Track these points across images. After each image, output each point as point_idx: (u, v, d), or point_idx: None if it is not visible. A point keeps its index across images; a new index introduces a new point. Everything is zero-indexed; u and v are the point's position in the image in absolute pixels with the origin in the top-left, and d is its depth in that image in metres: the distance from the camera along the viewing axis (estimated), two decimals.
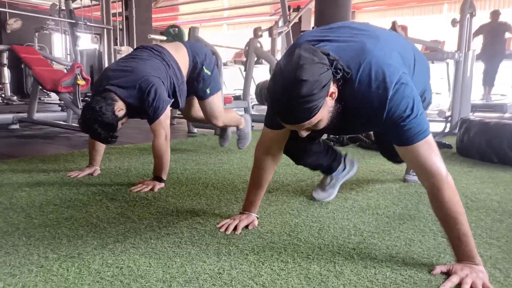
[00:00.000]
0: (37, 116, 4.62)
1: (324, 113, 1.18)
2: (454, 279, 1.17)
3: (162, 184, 2.19)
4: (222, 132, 3.28)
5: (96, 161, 2.49)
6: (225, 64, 8.44)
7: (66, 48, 9.40)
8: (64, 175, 2.38)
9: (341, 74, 1.18)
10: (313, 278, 1.18)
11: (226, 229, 1.54)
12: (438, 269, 1.24)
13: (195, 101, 2.83)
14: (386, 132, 1.30)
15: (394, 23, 4.88)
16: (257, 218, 1.66)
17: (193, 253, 1.34)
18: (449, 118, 4.84)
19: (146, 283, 1.13)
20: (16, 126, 4.66)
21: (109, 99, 2.13)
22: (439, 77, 8.16)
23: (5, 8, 11.09)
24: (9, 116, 4.58)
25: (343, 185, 2.28)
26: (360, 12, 10.95)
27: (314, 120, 1.17)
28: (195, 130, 4.59)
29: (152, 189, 2.11)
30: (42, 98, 9.61)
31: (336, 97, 1.21)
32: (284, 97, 1.13)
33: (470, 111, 4.77)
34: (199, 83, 2.62)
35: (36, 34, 11.13)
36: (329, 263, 1.28)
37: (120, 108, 2.16)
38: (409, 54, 1.42)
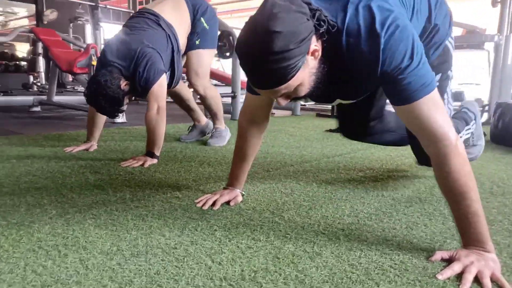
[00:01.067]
0: (57, 98, 4.63)
1: (305, 75, 0.97)
2: (456, 267, 0.95)
3: (155, 160, 2.05)
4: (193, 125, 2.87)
5: (94, 136, 2.39)
6: None
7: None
8: (59, 150, 2.29)
9: (325, 27, 0.97)
10: (282, 258, 0.99)
11: (203, 204, 1.38)
12: (438, 255, 1.02)
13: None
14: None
15: None
16: (242, 194, 1.48)
17: (155, 226, 1.18)
18: (487, 107, 4.46)
19: (86, 254, 0.99)
20: (37, 109, 4.70)
21: (114, 72, 2.04)
22: (480, 67, 7.63)
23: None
24: (30, 98, 4.62)
25: (351, 166, 2.07)
26: None
27: (292, 83, 0.95)
28: None
29: (142, 165, 1.98)
30: (75, 88, 9.80)
31: (320, 56, 0.99)
32: (254, 55, 0.92)
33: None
34: (193, 34, 2.43)
35: (71, 25, 11.39)
36: (307, 243, 1.09)
37: (126, 82, 2.07)
38: None
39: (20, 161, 1.99)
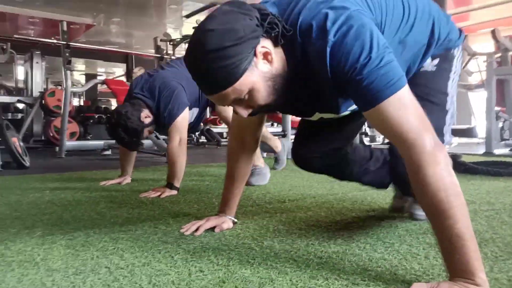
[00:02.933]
0: None
1: (256, 79, 0.89)
2: None
3: (174, 192, 2.05)
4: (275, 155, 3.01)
5: (126, 170, 2.48)
6: None
7: None
8: (96, 184, 2.40)
9: (278, 30, 0.90)
10: (228, 283, 0.88)
11: (187, 230, 1.31)
12: (416, 287, 0.82)
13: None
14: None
15: (494, 31, 4.17)
16: (235, 222, 1.38)
17: (120, 248, 1.14)
18: None
19: (31, 269, 0.97)
20: (108, 152, 5.07)
21: (137, 105, 2.14)
22: None
23: (133, 60, 12.83)
24: (101, 142, 5.01)
25: (380, 200, 1.86)
26: (475, 35, 9.83)
27: (240, 87, 0.88)
28: (264, 155, 4.42)
29: (159, 196, 1.98)
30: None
31: (273, 60, 0.92)
32: (192, 57, 0.89)
33: None
34: None
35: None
36: (267, 269, 0.96)
37: (147, 115, 2.14)
38: None
39: (52, 192, 2.11)
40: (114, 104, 13.79)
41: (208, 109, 2.52)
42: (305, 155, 1.43)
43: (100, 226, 1.38)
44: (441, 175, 0.82)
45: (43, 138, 6.57)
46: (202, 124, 2.59)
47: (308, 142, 1.42)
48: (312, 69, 0.93)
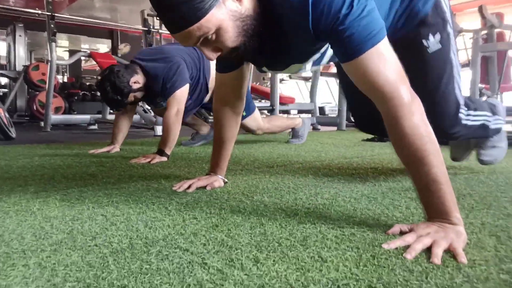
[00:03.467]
0: (112, 116, 4.94)
1: (223, 17, 0.89)
2: (408, 238, 0.81)
3: (164, 158, 2.07)
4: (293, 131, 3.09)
5: (117, 139, 2.49)
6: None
7: None
8: (85, 152, 2.41)
9: None
10: (216, 226, 0.92)
11: (178, 188, 1.34)
12: (397, 228, 0.88)
13: None
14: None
15: (481, 7, 4.22)
16: (225, 182, 1.42)
17: (114, 201, 1.17)
18: None
19: (28, 217, 1.00)
20: (94, 127, 5.04)
21: (130, 68, 2.21)
22: None
23: (118, 36, 12.58)
24: (87, 117, 4.97)
25: (364, 165, 1.93)
26: (462, 14, 9.89)
27: (207, 24, 0.87)
28: None
29: (150, 162, 2.00)
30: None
31: (244, 2, 0.92)
32: None
33: None
34: None
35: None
36: (254, 216, 1.00)
37: (137, 80, 2.20)
38: None
39: (41, 158, 2.12)
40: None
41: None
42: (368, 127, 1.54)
43: (93, 185, 1.41)
44: (417, 125, 0.86)
45: (27, 113, 6.48)
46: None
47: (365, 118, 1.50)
48: (291, 19, 0.94)
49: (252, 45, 0.96)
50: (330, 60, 1.23)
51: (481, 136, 1.52)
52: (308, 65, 1.18)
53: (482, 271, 0.69)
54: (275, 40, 1.02)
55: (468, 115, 1.36)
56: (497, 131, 1.54)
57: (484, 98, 4.77)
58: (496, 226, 0.94)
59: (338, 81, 5.05)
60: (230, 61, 1.24)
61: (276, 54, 1.09)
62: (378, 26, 0.88)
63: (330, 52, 1.15)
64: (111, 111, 5.48)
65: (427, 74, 1.25)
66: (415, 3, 1.18)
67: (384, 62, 0.88)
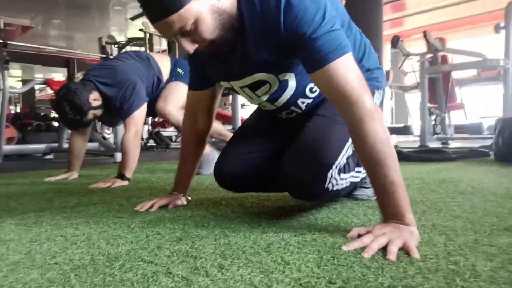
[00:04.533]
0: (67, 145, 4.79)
1: (201, 9, 0.92)
2: (366, 239, 0.85)
3: (125, 182, 2.04)
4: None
5: (74, 166, 2.43)
6: None
7: None
8: (41, 180, 2.32)
9: None
10: (176, 240, 0.93)
11: (141, 208, 1.33)
12: (355, 231, 0.93)
13: None
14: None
15: (425, 32, 4.53)
16: (188, 199, 1.43)
17: (74, 223, 1.14)
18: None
19: None
20: (50, 156, 4.87)
21: (88, 86, 2.13)
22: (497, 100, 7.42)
23: (74, 64, 12.34)
24: (42, 146, 4.80)
25: None
26: (409, 40, 10.52)
27: (186, 13, 0.91)
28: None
29: (110, 186, 1.97)
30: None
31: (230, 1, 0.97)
32: None
33: None
34: (169, 79, 2.48)
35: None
36: (217, 229, 1.02)
37: (96, 98, 2.14)
38: None
39: None
40: (54, 111, 13.20)
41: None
42: None
43: (50, 209, 1.37)
44: (378, 129, 0.92)
45: None
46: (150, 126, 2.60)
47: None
48: (263, 23, 0.99)
49: (228, 39, 1.00)
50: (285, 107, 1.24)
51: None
52: (264, 97, 1.21)
53: (433, 263, 0.74)
54: (245, 43, 1.05)
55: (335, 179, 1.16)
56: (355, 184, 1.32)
57: (433, 117, 5.06)
58: (445, 227, 1.00)
59: None
60: (203, 80, 1.27)
61: (244, 57, 1.09)
62: (345, 41, 0.95)
63: (288, 92, 1.18)
64: (67, 140, 5.34)
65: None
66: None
67: (351, 71, 0.94)
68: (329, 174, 1.08)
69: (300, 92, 1.19)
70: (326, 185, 1.09)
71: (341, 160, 1.13)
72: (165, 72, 2.47)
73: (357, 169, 1.24)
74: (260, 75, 1.14)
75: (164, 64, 2.48)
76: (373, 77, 1.27)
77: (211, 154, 2.66)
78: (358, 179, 1.28)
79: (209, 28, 0.96)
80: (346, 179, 1.19)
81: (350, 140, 1.12)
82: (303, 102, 1.23)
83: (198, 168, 2.58)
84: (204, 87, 1.30)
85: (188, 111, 1.38)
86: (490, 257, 0.76)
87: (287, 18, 0.94)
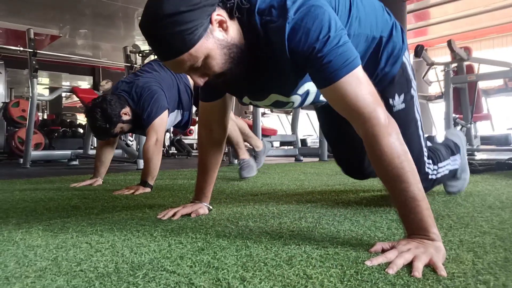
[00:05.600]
0: (93, 151, 4.89)
1: (212, 46, 0.94)
2: (390, 255, 0.84)
3: (148, 189, 2.07)
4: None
5: (100, 172, 2.48)
6: None
7: None
8: (66, 186, 2.38)
9: (233, 2, 0.97)
10: (200, 250, 0.93)
11: (163, 216, 1.34)
12: (379, 246, 0.91)
13: None
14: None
15: (449, 41, 4.45)
16: (210, 209, 1.43)
17: (99, 229, 1.16)
18: None
19: (10, 246, 0.98)
20: (76, 162, 4.98)
21: (122, 99, 2.22)
22: None
23: (100, 72, 12.65)
24: (68, 152, 4.92)
25: (347, 190, 1.96)
26: (433, 49, 10.37)
27: (196, 53, 0.92)
28: (236, 161, 4.48)
29: (133, 193, 2.00)
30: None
31: (229, 29, 0.97)
32: (149, 22, 0.93)
33: None
34: None
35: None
36: (239, 240, 1.02)
37: (127, 112, 2.21)
38: None
39: (22, 192, 2.08)
40: (79, 118, 13.51)
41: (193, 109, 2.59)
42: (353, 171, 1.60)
43: (76, 215, 1.40)
44: (395, 144, 0.91)
45: (5, 150, 6.36)
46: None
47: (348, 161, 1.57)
48: (271, 48, 0.99)
49: (238, 71, 1.01)
50: (314, 101, 1.30)
51: (445, 180, 1.66)
52: (297, 102, 1.25)
53: (461, 282, 0.71)
54: (257, 69, 1.07)
55: (434, 169, 1.45)
56: (455, 171, 1.65)
57: (458, 128, 4.95)
58: (473, 243, 0.97)
59: None
60: (213, 91, 1.29)
61: (257, 83, 1.14)
62: (353, 55, 0.94)
63: (311, 97, 1.24)
64: (92, 146, 5.47)
65: None
66: (386, 65, 1.27)
67: (361, 86, 0.93)
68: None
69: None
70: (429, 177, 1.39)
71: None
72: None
73: (452, 157, 1.54)
74: (279, 97, 1.20)
75: None
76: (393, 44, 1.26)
77: (251, 159, 2.72)
78: (456, 166, 1.60)
79: (219, 63, 0.97)
80: (444, 166, 1.49)
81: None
82: None
83: (241, 171, 2.68)
84: (216, 98, 1.32)
85: (202, 119, 1.40)
86: None
87: (291, 44, 0.95)
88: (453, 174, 1.65)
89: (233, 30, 0.99)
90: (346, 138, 1.47)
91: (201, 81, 1.00)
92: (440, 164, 1.50)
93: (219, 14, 0.95)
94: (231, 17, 0.99)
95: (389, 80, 1.29)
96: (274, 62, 1.03)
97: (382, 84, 1.26)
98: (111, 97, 2.18)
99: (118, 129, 2.19)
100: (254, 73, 1.08)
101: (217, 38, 0.95)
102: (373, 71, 1.25)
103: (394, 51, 1.27)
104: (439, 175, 1.48)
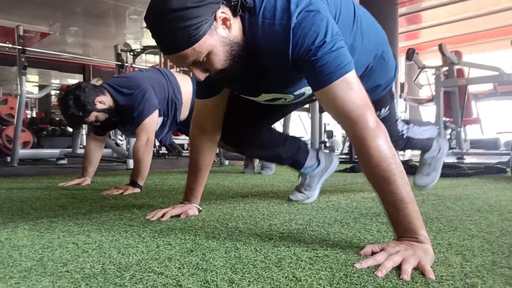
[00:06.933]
0: (82, 151, 4.84)
1: (215, 43, 0.95)
2: (379, 257, 0.83)
3: (137, 190, 2.05)
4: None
5: (88, 172, 2.45)
6: None
7: None
8: (54, 185, 2.35)
9: (237, 0, 0.98)
10: (188, 250, 0.92)
11: (152, 217, 1.33)
12: (369, 248, 0.91)
13: None
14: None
15: (440, 45, 4.49)
16: (200, 210, 1.42)
17: (86, 230, 1.15)
18: None
19: None
20: (64, 161, 4.93)
21: (98, 88, 2.17)
22: None
23: (90, 71, 12.55)
24: (56, 151, 4.86)
25: (337, 194, 1.96)
26: (424, 52, 10.46)
27: (199, 49, 0.93)
28: (226, 162, 4.47)
29: (122, 193, 1.97)
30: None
31: (232, 27, 0.98)
32: (155, 15, 0.93)
33: None
34: None
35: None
36: (229, 241, 1.01)
37: (102, 100, 2.15)
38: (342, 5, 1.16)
39: (9, 191, 2.05)
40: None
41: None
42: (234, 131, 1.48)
43: (63, 215, 1.38)
44: (383, 147, 0.92)
45: None
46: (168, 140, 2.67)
47: (238, 120, 1.45)
48: (270, 50, 1.00)
49: (238, 68, 1.02)
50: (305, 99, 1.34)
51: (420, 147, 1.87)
52: (289, 99, 1.27)
53: (449, 285, 0.72)
54: (255, 67, 1.07)
55: (407, 128, 1.72)
56: (431, 140, 1.88)
57: (448, 131, 5.00)
58: (461, 246, 0.98)
59: (310, 115, 5.17)
60: (209, 88, 1.28)
61: (252, 80, 1.14)
62: (347, 60, 0.95)
63: (303, 97, 1.28)
64: (81, 145, 5.41)
65: None
66: (379, 88, 1.40)
67: (351, 91, 0.94)
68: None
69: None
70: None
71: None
72: (186, 91, 2.51)
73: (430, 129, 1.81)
74: (275, 95, 1.22)
75: (184, 83, 2.53)
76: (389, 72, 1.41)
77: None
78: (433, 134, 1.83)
79: (221, 60, 0.98)
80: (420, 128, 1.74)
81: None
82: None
83: (260, 169, 2.77)
84: (211, 95, 1.31)
85: (196, 120, 1.39)
86: (508, 280, 0.74)
87: (292, 46, 0.96)
88: (429, 144, 1.86)
89: (236, 28, 1.00)
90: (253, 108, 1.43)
91: (202, 76, 1.01)
92: (412, 125, 1.75)
93: (223, 11, 0.96)
94: (234, 15, 0.99)
95: (377, 99, 1.41)
96: (273, 61, 1.04)
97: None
98: (85, 84, 2.12)
99: (92, 117, 2.13)
100: (250, 70, 1.08)
101: (221, 35, 0.96)
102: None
103: (389, 76, 1.42)
104: (411, 134, 1.72)
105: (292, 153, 1.63)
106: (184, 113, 2.56)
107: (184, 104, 2.52)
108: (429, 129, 1.84)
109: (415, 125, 1.77)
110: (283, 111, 1.59)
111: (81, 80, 12.90)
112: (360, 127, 0.92)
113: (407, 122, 1.75)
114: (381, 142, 0.91)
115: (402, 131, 1.69)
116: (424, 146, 1.86)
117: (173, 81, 2.48)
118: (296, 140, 1.68)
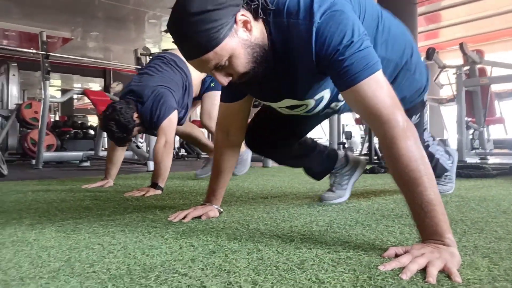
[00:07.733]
0: (104, 153, 4.93)
1: (236, 46, 0.96)
2: (404, 259, 0.82)
3: (158, 191, 2.08)
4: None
5: (111, 174, 2.49)
6: None
7: None
8: (78, 187, 2.40)
9: (258, 3, 0.99)
10: (211, 252, 0.93)
11: (174, 218, 1.35)
12: (392, 251, 0.90)
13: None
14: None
15: (461, 44, 4.40)
16: (220, 211, 1.43)
17: (111, 231, 1.17)
18: None
19: (24, 247, 0.99)
20: (87, 164, 5.02)
21: (131, 104, 2.22)
22: None
23: (111, 74, 12.77)
24: (79, 154, 4.97)
25: (358, 196, 1.95)
26: (444, 51, 10.27)
27: (221, 52, 0.94)
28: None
29: (144, 195, 2.00)
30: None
31: (252, 30, 0.98)
32: (175, 20, 0.95)
33: None
34: (207, 77, 2.64)
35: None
36: (250, 242, 1.01)
37: (137, 115, 2.22)
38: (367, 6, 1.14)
39: (35, 193, 2.11)
40: (90, 120, 13.65)
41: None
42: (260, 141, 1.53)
43: (88, 217, 1.41)
44: (412, 147, 0.90)
45: (18, 151, 6.44)
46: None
47: (265, 130, 1.49)
48: (295, 50, 1.01)
49: (261, 71, 1.02)
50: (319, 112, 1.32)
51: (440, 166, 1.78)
52: (310, 106, 1.26)
53: None
54: (282, 69, 1.08)
55: (431, 142, 1.71)
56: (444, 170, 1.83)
57: (471, 131, 4.89)
58: (488, 249, 0.96)
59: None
60: (234, 92, 1.30)
61: (276, 83, 1.14)
62: (374, 59, 0.95)
63: (323, 103, 1.26)
64: (103, 148, 5.52)
65: None
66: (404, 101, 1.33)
67: (380, 89, 0.93)
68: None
69: (333, 98, 1.26)
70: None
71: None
72: (197, 77, 2.54)
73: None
74: (296, 101, 1.23)
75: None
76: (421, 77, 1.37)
77: (245, 154, 2.71)
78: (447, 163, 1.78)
79: (243, 63, 0.99)
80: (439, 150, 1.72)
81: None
82: (336, 105, 1.31)
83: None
84: (236, 99, 1.32)
85: (221, 123, 1.40)
86: None
87: (317, 46, 0.96)
88: (445, 167, 1.81)
89: (257, 31, 1.00)
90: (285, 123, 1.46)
91: (225, 81, 1.02)
92: (435, 140, 1.75)
93: (243, 14, 0.97)
94: (255, 18, 1.00)
95: (411, 105, 1.39)
96: (296, 64, 1.04)
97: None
98: (119, 105, 2.16)
99: (135, 132, 2.24)
100: (275, 74, 1.09)
101: (241, 38, 0.97)
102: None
103: (421, 80, 1.39)
104: (433, 150, 1.70)
105: (321, 161, 1.67)
106: (195, 91, 2.62)
107: (195, 85, 2.58)
108: (442, 153, 1.78)
109: (436, 143, 1.77)
110: (310, 124, 1.56)
111: (102, 83, 13.14)
112: (390, 127, 0.91)
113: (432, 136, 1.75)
114: (410, 143, 0.90)
115: (427, 141, 1.68)
116: (438, 173, 1.81)
117: (184, 67, 2.49)
118: (324, 147, 1.72)
